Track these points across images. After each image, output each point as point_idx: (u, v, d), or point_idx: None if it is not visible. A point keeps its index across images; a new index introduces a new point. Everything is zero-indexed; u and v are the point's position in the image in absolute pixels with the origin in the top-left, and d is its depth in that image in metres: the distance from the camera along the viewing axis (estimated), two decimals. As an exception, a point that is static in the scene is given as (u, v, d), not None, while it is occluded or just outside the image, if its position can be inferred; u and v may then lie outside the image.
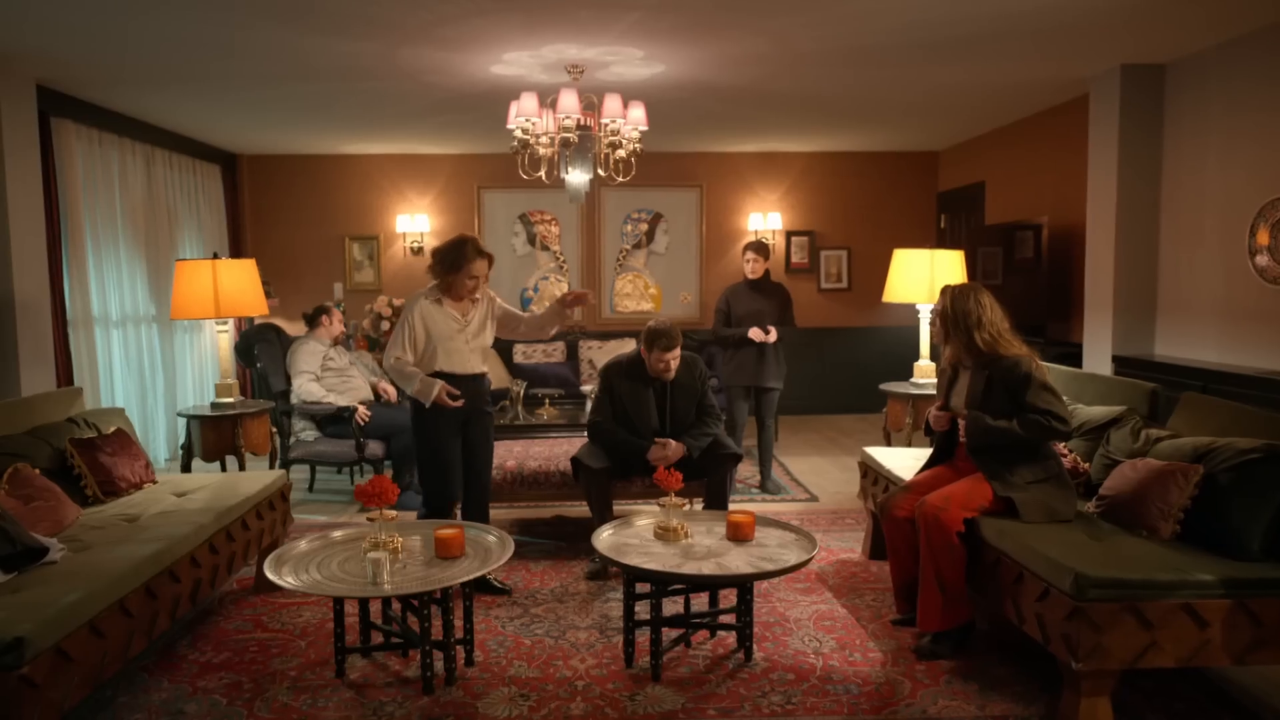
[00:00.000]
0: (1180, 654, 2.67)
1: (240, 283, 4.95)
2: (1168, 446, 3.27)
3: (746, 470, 6.20)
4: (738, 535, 3.41)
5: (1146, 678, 3.07)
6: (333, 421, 5.52)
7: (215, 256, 5.00)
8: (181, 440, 5.22)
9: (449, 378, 3.90)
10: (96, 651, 2.63)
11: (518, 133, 5.12)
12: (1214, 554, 2.84)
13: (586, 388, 6.20)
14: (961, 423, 3.50)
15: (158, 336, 6.90)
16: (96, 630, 2.63)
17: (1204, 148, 4.98)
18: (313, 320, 5.89)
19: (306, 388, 5.48)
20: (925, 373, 5.50)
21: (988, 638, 3.52)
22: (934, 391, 5.34)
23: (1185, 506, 2.98)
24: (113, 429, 4.06)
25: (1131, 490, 3.15)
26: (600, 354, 8.02)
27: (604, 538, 3.44)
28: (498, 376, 7.75)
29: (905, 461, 4.27)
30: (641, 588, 3.37)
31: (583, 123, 5.10)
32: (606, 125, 5.09)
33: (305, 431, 5.57)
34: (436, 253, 3.92)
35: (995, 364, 3.41)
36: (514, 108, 5.04)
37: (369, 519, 3.27)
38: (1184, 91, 5.14)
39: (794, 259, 8.85)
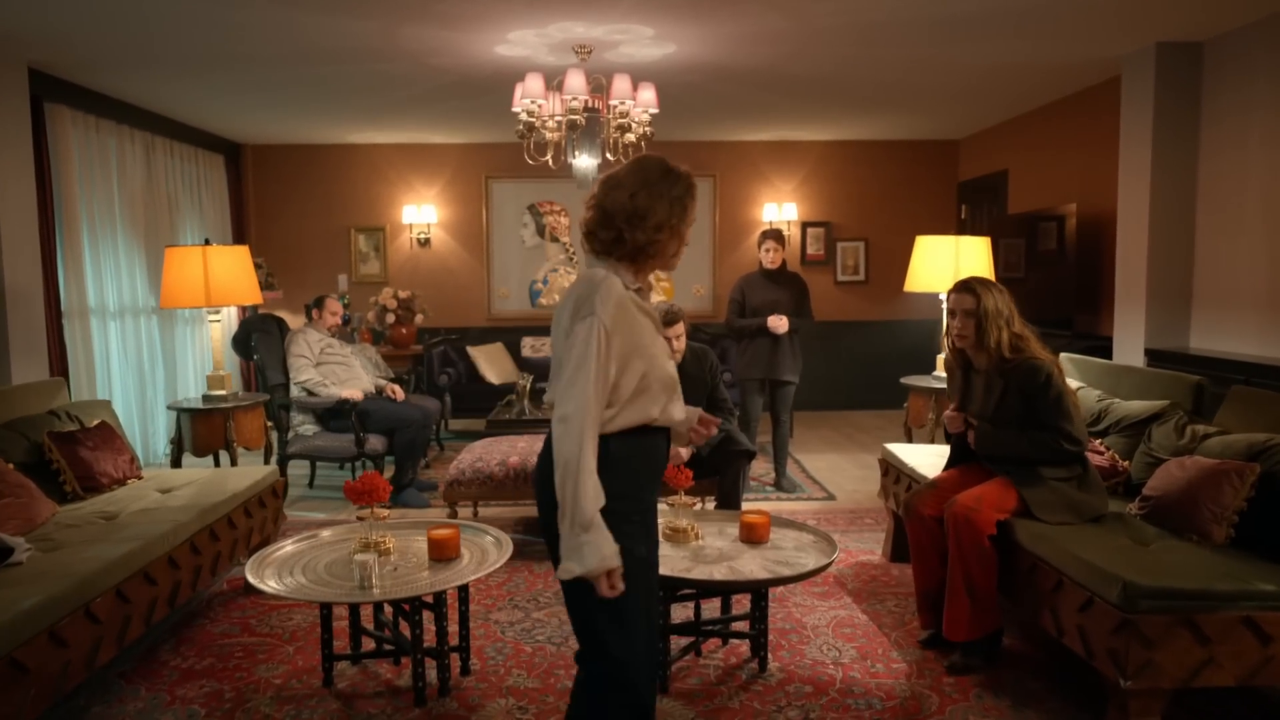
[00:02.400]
0: (1239, 672, 2.43)
1: (232, 270, 4.75)
2: (1217, 443, 3.03)
3: (761, 467, 5.98)
4: (752, 537, 3.19)
5: (1196, 695, 2.83)
6: (333, 415, 5.33)
7: (207, 243, 4.80)
8: (173, 433, 5.03)
9: (664, 439, 2.16)
10: (57, 661, 2.43)
11: (523, 115, 4.91)
12: (1274, 561, 2.60)
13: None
14: (971, 433, 3.27)
15: (158, 328, 6.74)
16: (57, 638, 2.43)
17: (1245, 129, 4.71)
18: (309, 311, 5.73)
19: (304, 373, 5.30)
20: (948, 366, 5.26)
21: (1019, 648, 3.29)
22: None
23: (1240, 509, 2.75)
24: (96, 422, 3.88)
25: (1180, 491, 2.91)
26: (610, 348, 7.80)
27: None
28: (505, 370, 7.57)
29: (928, 459, 4.04)
30: (649, 592, 3.16)
31: (590, 104, 4.90)
32: (615, 107, 4.88)
33: (304, 426, 5.38)
34: (636, 200, 2.00)
35: (1015, 369, 3.14)
36: (519, 89, 4.83)
37: (359, 517, 3.08)
38: (1224, 70, 4.87)
39: (810, 250, 8.60)
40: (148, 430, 6.55)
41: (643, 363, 2.02)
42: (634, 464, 2.06)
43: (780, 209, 8.48)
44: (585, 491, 1.89)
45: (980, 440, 3.22)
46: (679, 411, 2.14)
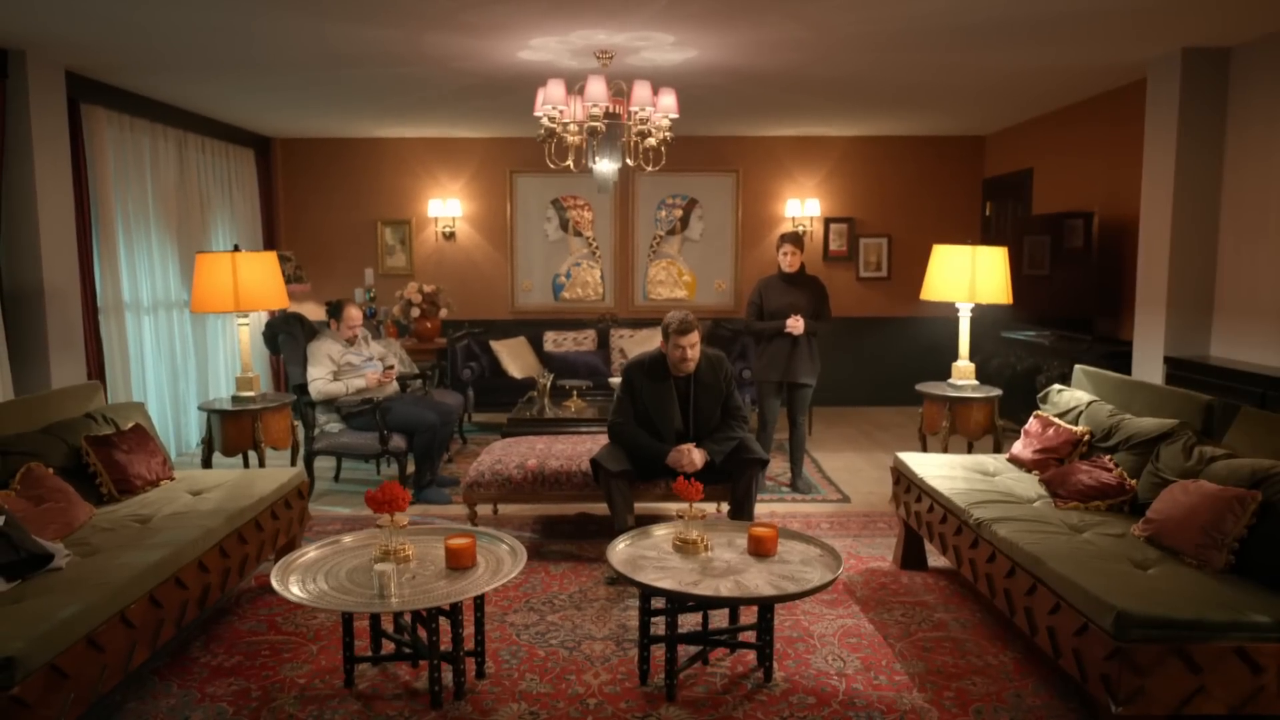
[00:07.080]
0: (1231, 701, 2.47)
1: (260, 276, 4.88)
2: (1223, 468, 3.05)
3: (778, 467, 6.04)
4: (759, 550, 3.27)
5: None
6: (356, 414, 5.45)
7: (236, 249, 4.93)
8: (204, 432, 5.18)
9: None
10: (94, 666, 2.57)
11: (545, 121, 4.98)
12: (1271, 590, 2.63)
13: (616, 379, 6.08)
14: None
15: (190, 324, 6.92)
16: (95, 644, 2.57)
17: (1272, 136, 4.67)
18: (328, 317, 5.78)
19: (325, 390, 5.40)
20: (963, 374, 5.25)
21: (1020, 665, 3.35)
22: (975, 395, 5.06)
23: (1241, 536, 2.77)
24: (131, 424, 4.02)
25: (1182, 515, 2.94)
26: (632, 343, 7.88)
27: (619, 550, 3.32)
28: (527, 364, 7.68)
29: (940, 469, 4.08)
30: (658, 602, 3.25)
31: (611, 110, 4.94)
32: (635, 113, 4.92)
33: (330, 424, 5.51)
34: None
35: None
36: (541, 95, 4.89)
37: (378, 525, 3.19)
38: (1251, 76, 4.82)
39: (832, 246, 8.60)
40: (180, 422, 6.75)
41: None
42: None
43: (803, 205, 8.48)
44: None
45: None
46: None
